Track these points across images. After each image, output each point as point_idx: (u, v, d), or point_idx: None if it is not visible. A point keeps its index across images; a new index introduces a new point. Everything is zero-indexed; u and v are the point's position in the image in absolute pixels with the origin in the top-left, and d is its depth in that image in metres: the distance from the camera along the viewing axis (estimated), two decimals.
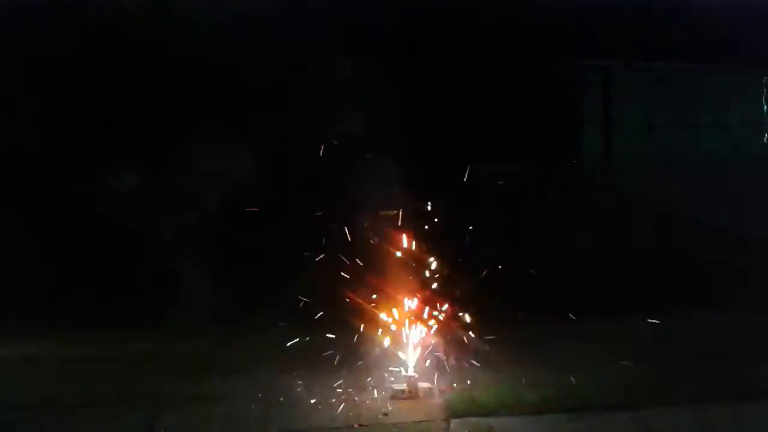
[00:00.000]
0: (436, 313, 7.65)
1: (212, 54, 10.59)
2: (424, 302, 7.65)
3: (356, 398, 7.26)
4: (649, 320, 9.03)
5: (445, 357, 7.68)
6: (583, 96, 13.46)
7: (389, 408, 7.05)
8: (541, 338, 8.91)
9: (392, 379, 7.52)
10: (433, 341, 7.66)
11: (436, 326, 7.67)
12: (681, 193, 12.28)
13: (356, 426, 6.68)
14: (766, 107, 13.89)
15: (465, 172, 9.43)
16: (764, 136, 13.92)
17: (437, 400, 7.24)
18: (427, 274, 7.78)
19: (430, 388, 7.42)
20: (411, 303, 7.63)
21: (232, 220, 11.06)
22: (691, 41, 12.40)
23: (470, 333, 7.71)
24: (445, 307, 7.68)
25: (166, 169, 10.97)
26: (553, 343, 8.61)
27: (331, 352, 7.76)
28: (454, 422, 6.72)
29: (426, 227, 8.02)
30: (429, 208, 8.31)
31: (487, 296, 7.76)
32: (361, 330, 7.61)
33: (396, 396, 7.29)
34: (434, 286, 7.74)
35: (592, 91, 13.48)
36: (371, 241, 7.95)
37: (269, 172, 10.82)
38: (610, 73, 13.44)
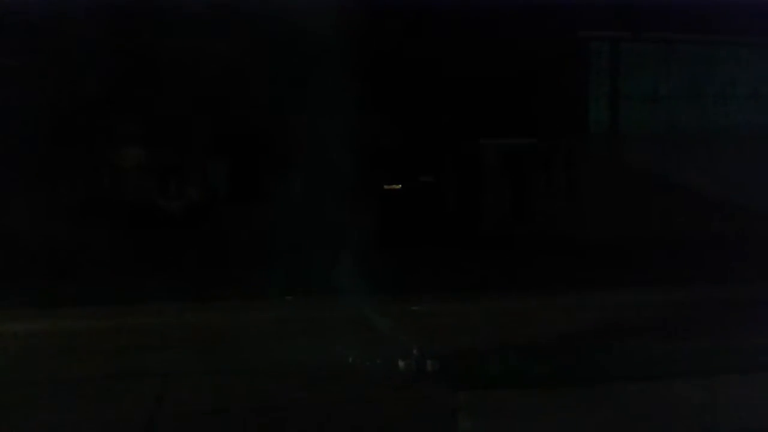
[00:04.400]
0: None
1: None
2: None
3: (362, 373, 7.26)
4: None
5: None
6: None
7: (395, 382, 7.06)
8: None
9: (398, 353, 7.53)
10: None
11: None
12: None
13: (365, 399, 6.70)
14: None
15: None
16: None
17: (444, 373, 7.24)
18: None
19: (437, 362, 7.41)
20: None
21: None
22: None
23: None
24: None
25: None
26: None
27: (339, 328, 7.78)
28: (462, 395, 6.72)
29: None
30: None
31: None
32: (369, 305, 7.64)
33: (403, 370, 7.30)
34: None
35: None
36: None
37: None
38: None
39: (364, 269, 8.17)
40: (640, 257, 11.06)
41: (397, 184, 10.21)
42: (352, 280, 8.02)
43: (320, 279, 8.30)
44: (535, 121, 12.51)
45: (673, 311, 8.75)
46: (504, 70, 12.09)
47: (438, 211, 12.42)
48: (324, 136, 10.15)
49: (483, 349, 7.44)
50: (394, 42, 11.56)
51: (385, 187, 9.57)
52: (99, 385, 6.57)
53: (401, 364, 7.26)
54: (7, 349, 7.69)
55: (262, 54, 10.28)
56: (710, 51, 13.39)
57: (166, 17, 10.21)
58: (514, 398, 6.41)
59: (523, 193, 12.89)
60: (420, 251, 11.16)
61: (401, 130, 11.69)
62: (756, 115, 13.37)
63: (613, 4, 12.20)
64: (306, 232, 8.83)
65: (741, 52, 13.45)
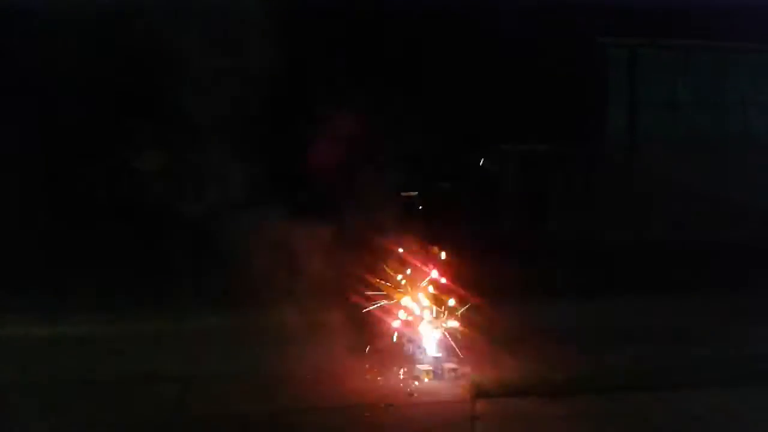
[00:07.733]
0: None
1: None
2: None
3: (382, 378, 7.29)
4: None
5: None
6: None
7: (415, 387, 7.08)
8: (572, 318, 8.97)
9: (417, 359, 7.55)
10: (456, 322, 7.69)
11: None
12: None
13: (383, 405, 6.71)
14: None
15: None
16: None
17: (462, 380, 7.25)
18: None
19: (455, 369, 7.42)
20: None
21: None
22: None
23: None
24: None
25: None
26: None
27: (357, 333, 7.80)
28: (479, 402, 6.73)
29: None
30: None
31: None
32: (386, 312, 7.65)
33: (421, 376, 7.31)
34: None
35: None
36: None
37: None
38: None
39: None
40: (660, 262, 11.08)
41: (414, 191, 10.15)
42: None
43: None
44: (555, 127, 12.49)
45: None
46: (524, 75, 12.09)
47: (457, 215, 12.40)
48: (338, 143, 10.14)
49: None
50: (412, 47, 11.59)
51: (402, 194, 9.52)
52: None
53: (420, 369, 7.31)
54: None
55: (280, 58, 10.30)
56: (729, 58, 13.36)
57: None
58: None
59: (542, 197, 12.86)
60: None
61: (420, 136, 11.70)
62: None
63: (633, 11, 12.19)
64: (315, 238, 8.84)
65: (760, 60, 13.41)
